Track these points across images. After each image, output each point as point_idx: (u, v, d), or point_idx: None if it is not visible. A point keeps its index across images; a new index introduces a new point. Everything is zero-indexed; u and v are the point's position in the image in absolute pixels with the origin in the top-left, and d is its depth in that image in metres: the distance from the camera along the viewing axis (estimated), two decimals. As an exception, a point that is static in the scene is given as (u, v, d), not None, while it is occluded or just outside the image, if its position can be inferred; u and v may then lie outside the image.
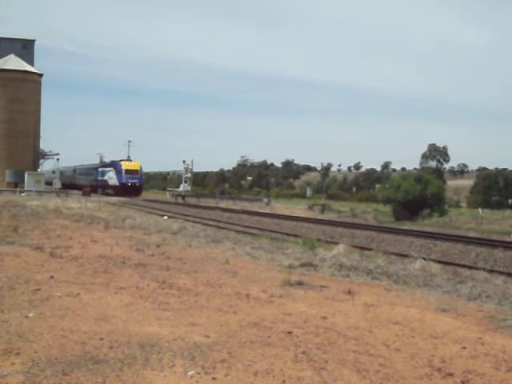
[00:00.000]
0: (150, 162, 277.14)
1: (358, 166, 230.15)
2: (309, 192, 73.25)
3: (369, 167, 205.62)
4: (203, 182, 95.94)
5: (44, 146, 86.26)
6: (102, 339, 6.16)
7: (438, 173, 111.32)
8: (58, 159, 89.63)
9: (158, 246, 15.35)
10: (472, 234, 22.50)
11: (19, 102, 71.29)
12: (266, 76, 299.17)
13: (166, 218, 30.50)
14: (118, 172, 70.81)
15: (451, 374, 5.42)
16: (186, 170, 73.18)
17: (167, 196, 70.34)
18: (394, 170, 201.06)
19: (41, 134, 77.96)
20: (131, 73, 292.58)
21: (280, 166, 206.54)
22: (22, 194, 55.90)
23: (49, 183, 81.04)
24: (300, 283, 10.04)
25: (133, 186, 69.56)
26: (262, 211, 37.21)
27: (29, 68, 73.72)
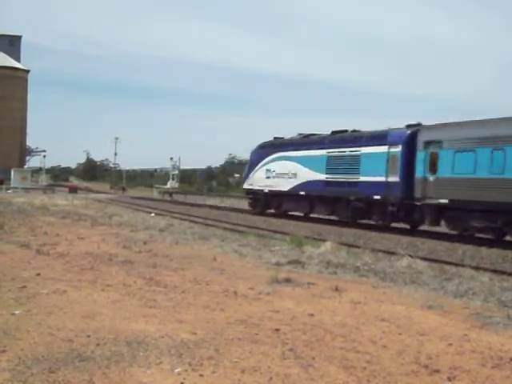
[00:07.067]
0: (136, 159, 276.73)
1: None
2: None
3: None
4: (190, 179, 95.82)
5: (30, 142, 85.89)
6: (88, 336, 6.13)
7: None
8: (44, 156, 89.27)
9: (144, 243, 15.30)
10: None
11: (5, 98, 70.91)
12: (258, 74, 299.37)
13: (153, 215, 30.41)
14: None
15: (438, 371, 5.46)
16: (174, 166, 72.71)
17: (154, 194, 69.17)
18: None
19: (27, 131, 77.63)
20: (118, 70, 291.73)
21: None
22: (8, 191, 55.53)
23: None
24: (287, 280, 10.05)
25: None
26: (249, 209, 37.20)
27: (15, 64, 73.31)
